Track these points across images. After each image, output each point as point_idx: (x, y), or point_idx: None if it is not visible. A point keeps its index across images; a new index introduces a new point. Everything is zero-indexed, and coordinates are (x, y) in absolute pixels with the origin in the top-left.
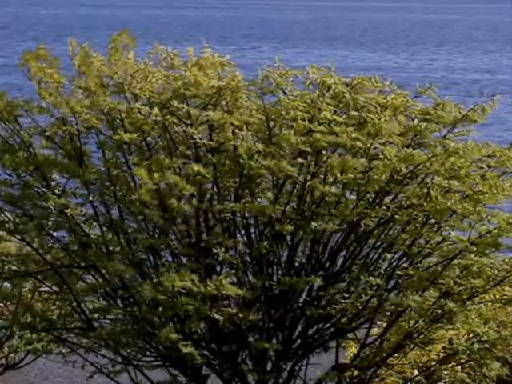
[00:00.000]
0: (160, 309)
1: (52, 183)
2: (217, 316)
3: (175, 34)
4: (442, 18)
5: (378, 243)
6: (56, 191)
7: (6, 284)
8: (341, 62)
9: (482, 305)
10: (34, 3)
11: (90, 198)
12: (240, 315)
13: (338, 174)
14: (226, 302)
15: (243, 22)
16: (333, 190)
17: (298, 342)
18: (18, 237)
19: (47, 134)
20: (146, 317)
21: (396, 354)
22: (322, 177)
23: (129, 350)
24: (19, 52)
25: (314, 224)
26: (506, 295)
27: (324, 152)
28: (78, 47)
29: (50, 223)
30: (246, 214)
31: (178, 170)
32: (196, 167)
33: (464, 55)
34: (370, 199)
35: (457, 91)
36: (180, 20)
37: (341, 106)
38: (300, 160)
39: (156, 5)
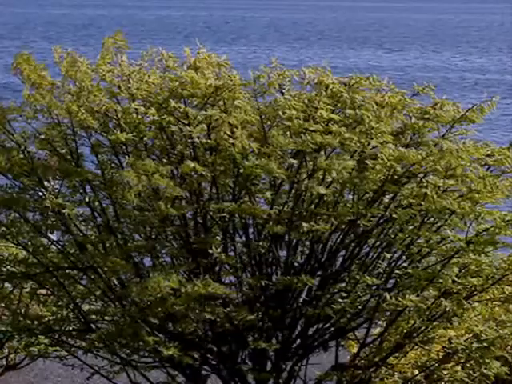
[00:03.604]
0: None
1: (48, 185)
2: (208, 316)
3: (187, 35)
4: (452, 19)
5: (377, 243)
6: (52, 192)
7: (7, 285)
8: (353, 62)
9: (480, 303)
10: (37, 3)
11: (87, 200)
12: (234, 314)
13: (334, 174)
14: (219, 301)
15: (254, 22)
16: (323, 189)
17: (298, 341)
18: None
19: (42, 136)
20: (137, 317)
21: (396, 354)
22: (321, 177)
23: (127, 351)
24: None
25: (305, 225)
26: (504, 293)
27: (322, 152)
28: (65, 53)
29: (46, 225)
30: (244, 215)
31: (170, 171)
32: (192, 164)
33: (477, 56)
34: (369, 199)
35: (476, 92)
36: (191, 20)
37: (338, 105)
38: (292, 160)
39: (166, 5)
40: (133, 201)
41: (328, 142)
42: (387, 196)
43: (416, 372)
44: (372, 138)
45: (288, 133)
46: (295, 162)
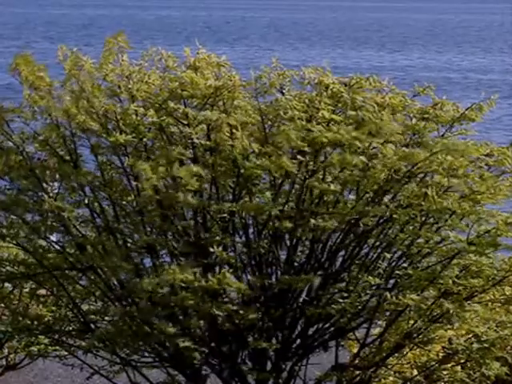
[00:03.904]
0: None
1: (47, 186)
2: (217, 312)
3: (188, 35)
4: (452, 19)
5: (378, 243)
6: (51, 194)
7: (7, 285)
8: (355, 62)
9: (480, 304)
10: (37, 3)
11: (86, 201)
12: (240, 312)
13: (337, 172)
14: (226, 299)
15: (255, 22)
16: (331, 187)
17: (298, 341)
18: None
19: (41, 138)
20: (144, 316)
21: (396, 354)
22: (321, 176)
23: (127, 351)
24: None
25: (312, 221)
26: (505, 295)
27: (324, 152)
28: (69, 52)
29: (45, 226)
30: (244, 214)
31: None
32: (195, 168)
33: (480, 56)
34: (369, 198)
35: (479, 92)
36: (192, 21)
37: (339, 105)
38: (300, 157)
39: (166, 5)
40: (150, 195)
41: (337, 138)
42: (387, 196)
43: (415, 372)
44: (374, 136)
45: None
46: (302, 158)
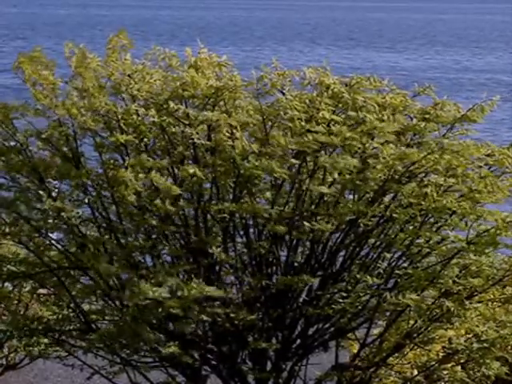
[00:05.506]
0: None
1: (48, 185)
2: (206, 318)
3: (192, 35)
4: (455, 19)
5: (378, 243)
6: (52, 193)
7: (7, 284)
8: (360, 62)
9: (480, 304)
10: (38, 3)
11: (86, 201)
12: (232, 315)
13: (335, 175)
14: (218, 302)
15: (258, 22)
16: (325, 189)
17: (298, 341)
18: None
19: (43, 136)
20: (137, 317)
21: (396, 354)
22: (321, 177)
23: (128, 351)
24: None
25: (306, 224)
26: (505, 294)
27: (323, 152)
28: (76, 49)
29: (47, 225)
30: (244, 215)
31: (171, 171)
32: (191, 169)
33: (487, 56)
34: (369, 199)
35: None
36: (193, 20)
37: (340, 105)
38: (294, 160)
39: (166, 5)
40: (131, 201)
41: (330, 141)
42: (387, 196)
43: (416, 372)
44: (374, 138)
45: (289, 133)
46: (297, 162)
